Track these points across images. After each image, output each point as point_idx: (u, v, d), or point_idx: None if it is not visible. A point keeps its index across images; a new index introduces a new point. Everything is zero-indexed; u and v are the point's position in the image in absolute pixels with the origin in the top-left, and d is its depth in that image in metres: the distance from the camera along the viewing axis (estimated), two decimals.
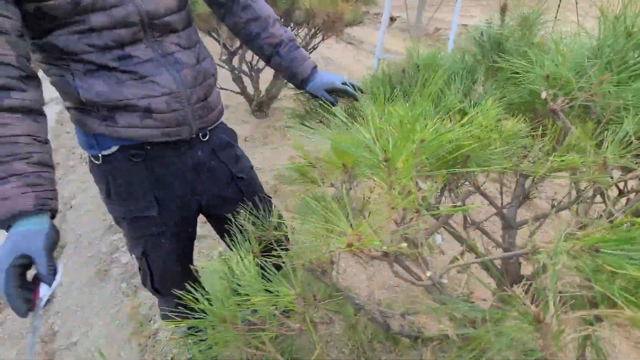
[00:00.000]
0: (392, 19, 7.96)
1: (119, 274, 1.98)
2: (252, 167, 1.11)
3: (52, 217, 0.69)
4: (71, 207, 2.69)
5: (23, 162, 0.64)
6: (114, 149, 0.85)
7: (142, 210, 0.91)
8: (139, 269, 1.02)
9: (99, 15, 0.72)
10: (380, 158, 0.34)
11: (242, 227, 0.68)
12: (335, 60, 5.66)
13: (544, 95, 0.69)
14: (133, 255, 1.01)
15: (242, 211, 0.72)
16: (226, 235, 0.82)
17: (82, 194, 2.80)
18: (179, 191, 0.94)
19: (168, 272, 1.01)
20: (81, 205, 2.67)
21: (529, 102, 0.76)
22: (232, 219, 0.70)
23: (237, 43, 3.04)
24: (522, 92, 0.77)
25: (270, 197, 1.16)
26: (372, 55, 5.98)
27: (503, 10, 0.95)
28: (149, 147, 0.87)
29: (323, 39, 2.92)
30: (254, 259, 0.50)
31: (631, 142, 0.53)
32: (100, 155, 0.86)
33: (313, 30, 2.69)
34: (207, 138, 0.96)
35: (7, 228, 0.63)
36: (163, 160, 0.90)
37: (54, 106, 4.40)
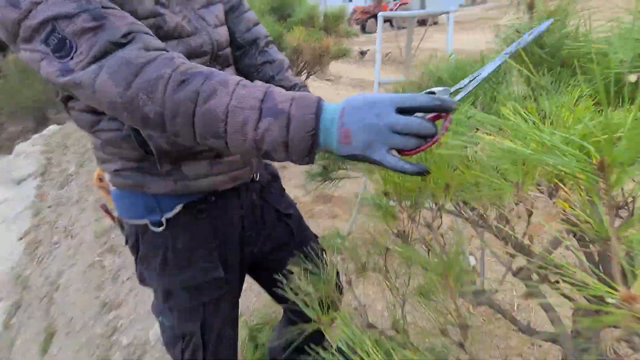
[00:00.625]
0: (363, 53, 8.28)
1: (123, 358, 1.71)
2: (296, 203, 1.02)
3: None
4: (58, 288, 2.42)
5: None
6: (179, 208, 0.74)
7: (207, 272, 0.79)
8: (182, 350, 0.82)
9: (175, 43, 0.65)
10: (591, 163, 0.21)
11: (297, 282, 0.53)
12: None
13: (633, 78, 0.60)
14: (180, 331, 0.82)
15: (295, 265, 0.57)
16: (278, 290, 0.66)
17: (69, 271, 2.54)
18: (239, 242, 0.84)
19: (224, 342, 0.86)
20: (69, 284, 2.41)
21: (605, 92, 0.66)
22: (286, 271, 0.57)
23: None
24: (591, 83, 0.67)
25: (317, 237, 1.03)
26: (352, 88, 6.11)
27: (530, 6, 0.90)
28: (213, 198, 0.77)
29: (309, 76, 2.90)
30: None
31: None
32: (164, 219, 0.73)
33: (299, 68, 2.67)
34: (258, 177, 0.89)
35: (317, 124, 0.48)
36: (226, 210, 0.80)
37: (32, 181, 4.18)
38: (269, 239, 0.91)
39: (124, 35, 0.51)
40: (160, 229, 0.74)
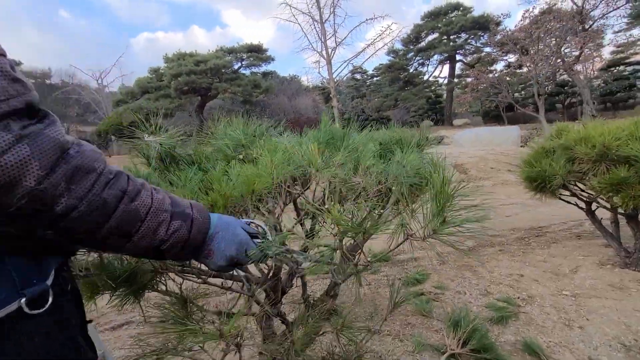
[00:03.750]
0: None
1: None
2: None
3: None
4: None
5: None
6: (52, 273, 0.54)
7: None
8: None
9: None
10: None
11: None
12: None
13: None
14: None
15: None
16: None
17: None
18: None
19: None
20: None
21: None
22: None
23: None
24: None
25: None
26: None
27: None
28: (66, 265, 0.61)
29: None
30: None
31: None
32: (50, 289, 0.52)
33: None
34: None
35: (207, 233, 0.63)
36: (74, 283, 0.62)
37: None
38: None
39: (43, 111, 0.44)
40: (44, 308, 0.50)
